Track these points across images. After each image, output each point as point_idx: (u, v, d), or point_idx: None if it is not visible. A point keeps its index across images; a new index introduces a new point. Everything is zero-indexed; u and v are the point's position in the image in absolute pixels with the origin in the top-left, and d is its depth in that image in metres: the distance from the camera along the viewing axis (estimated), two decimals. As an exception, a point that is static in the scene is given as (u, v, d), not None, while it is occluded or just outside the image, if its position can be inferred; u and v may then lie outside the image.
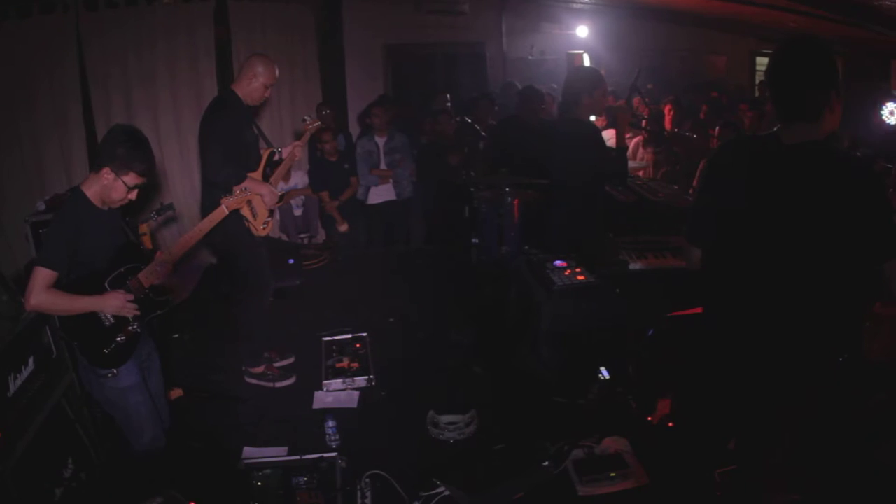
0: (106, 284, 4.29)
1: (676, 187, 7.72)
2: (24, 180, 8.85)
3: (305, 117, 6.66)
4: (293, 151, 6.36)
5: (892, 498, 4.41)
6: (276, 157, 6.39)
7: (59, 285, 4.11)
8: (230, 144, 5.82)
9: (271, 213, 6.30)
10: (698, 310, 4.02)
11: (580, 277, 5.67)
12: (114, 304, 4.26)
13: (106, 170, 4.19)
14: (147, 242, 5.79)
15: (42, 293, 4.04)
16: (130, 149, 4.21)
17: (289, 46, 11.06)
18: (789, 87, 3.38)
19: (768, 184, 3.37)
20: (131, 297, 4.33)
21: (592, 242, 6.06)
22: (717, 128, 9.78)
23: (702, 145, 9.92)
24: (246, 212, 6.02)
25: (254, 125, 6.27)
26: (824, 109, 3.31)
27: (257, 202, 6.10)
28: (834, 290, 3.34)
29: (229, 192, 5.28)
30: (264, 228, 6.23)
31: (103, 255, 4.33)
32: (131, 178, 4.23)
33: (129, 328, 4.41)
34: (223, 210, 4.89)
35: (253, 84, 5.94)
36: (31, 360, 4.53)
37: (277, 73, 6.10)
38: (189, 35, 9.82)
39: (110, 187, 4.23)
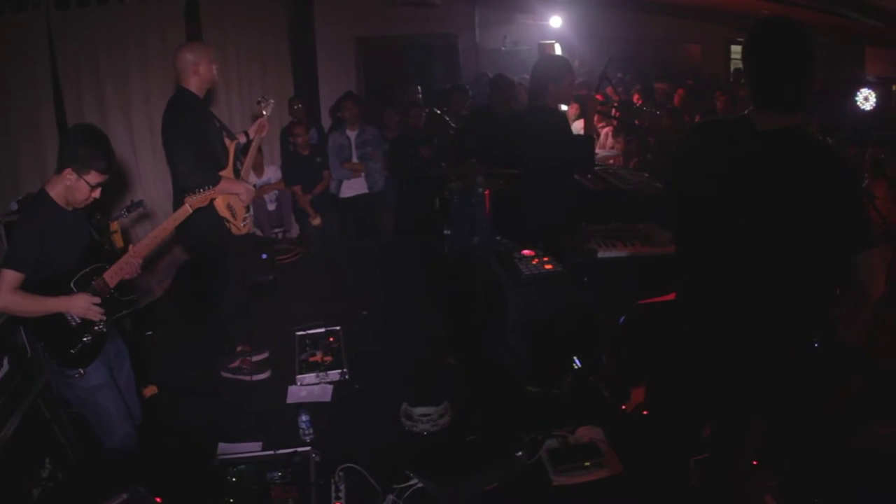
0: (72, 285, 4.29)
1: (647, 175, 7.72)
2: (-3, 180, 8.82)
3: (259, 99, 6.63)
4: (259, 128, 6.36)
5: (870, 482, 4.45)
6: (244, 140, 6.39)
7: (25, 286, 4.11)
8: (198, 145, 5.78)
9: (248, 209, 6.30)
10: (669, 296, 4.02)
11: (548, 266, 5.64)
12: (80, 305, 4.27)
13: (68, 170, 4.17)
14: (118, 240, 5.79)
15: (8, 295, 4.04)
16: (90, 147, 4.20)
17: (260, 41, 11.07)
18: (772, 78, 3.26)
19: (741, 170, 3.31)
20: (97, 300, 4.33)
21: (560, 231, 6.06)
22: (697, 117, 9.82)
23: (667, 124, 9.97)
24: (225, 212, 6.02)
25: (214, 119, 6.21)
26: (805, 101, 3.25)
27: (234, 201, 6.10)
28: (805, 274, 3.31)
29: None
30: (244, 226, 6.26)
31: (69, 255, 4.32)
32: (93, 177, 4.22)
33: (96, 328, 4.41)
34: (187, 209, 4.86)
35: (200, 71, 5.86)
36: (5, 361, 4.55)
37: (209, 48, 6.04)
38: (160, 32, 9.75)
39: (73, 188, 4.21)
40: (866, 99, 8.34)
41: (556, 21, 14.07)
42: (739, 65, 14.88)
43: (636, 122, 10.82)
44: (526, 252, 5.88)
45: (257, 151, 6.57)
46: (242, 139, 6.37)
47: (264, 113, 6.43)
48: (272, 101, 6.56)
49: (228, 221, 6.08)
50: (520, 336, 5.80)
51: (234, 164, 6.19)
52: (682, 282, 3.84)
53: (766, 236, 3.27)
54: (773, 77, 3.26)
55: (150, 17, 9.70)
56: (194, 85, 5.88)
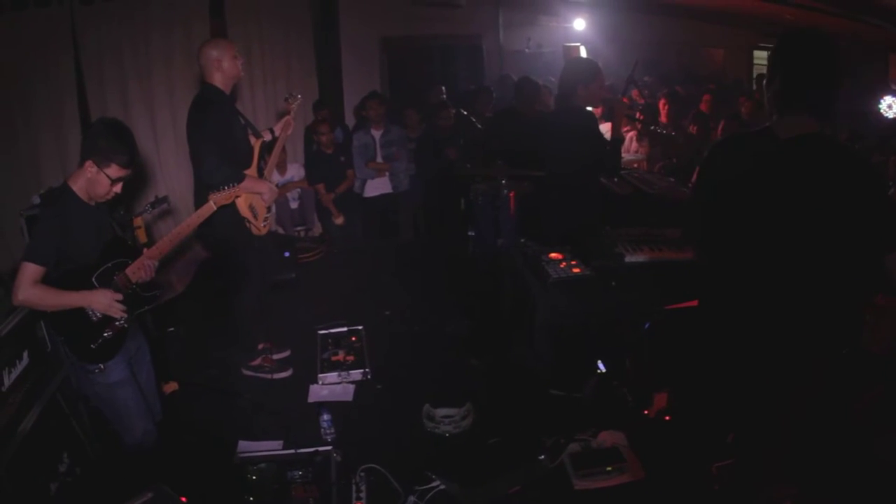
0: (93, 280, 4.27)
1: (672, 180, 7.69)
2: (19, 174, 8.76)
3: (286, 96, 6.58)
4: (285, 125, 6.31)
5: (890, 491, 4.40)
6: (269, 138, 6.34)
7: (46, 280, 4.10)
8: (223, 143, 5.73)
9: (269, 209, 6.27)
10: (695, 302, 4.00)
11: (575, 270, 5.61)
12: (101, 301, 4.25)
13: (89, 163, 4.16)
14: (142, 236, 5.76)
15: (29, 288, 4.02)
16: (111, 141, 4.18)
17: (285, 39, 11.05)
18: (799, 79, 3.32)
19: (768, 179, 3.33)
20: (119, 296, 4.32)
21: (588, 234, 6.03)
22: (722, 122, 9.76)
23: (687, 139, 9.93)
24: (246, 213, 5.98)
25: (240, 116, 6.18)
26: (830, 108, 3.29)
27: (256, 201, 6.07)
28: (835, 282, 3.32)
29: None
30: (265, 226, 6.22)
31: (91, 249, 4.30)
32: (114, 171, 4.19)
33: (117, 323, 4.39)
34: (211, 206, 4.81)
35: (224, 67, 5.80)
36: (25, 355, 4.54)
37: (233, 44, 5.96)
38: (185, 28, 9.72)
39: (94, 181, 4.19)
40: (890, 107, 8.25)
41: (579, 24, 14.01)
42: (762, 70, 14.75)
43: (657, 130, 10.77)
44: (553, 255, 5.85)
45: (281, 150, 6.53)
46: (268, 137, 6.32)
47: (291, 110, 6.39)
48: (300, 96, 6.52)
49: (249, 222, 6.04)
50: (545, 339, 5.76)
51: (259, 163, 6.15)
52: (712, 290, 3.82)
53: (797, 243, 3.29)
54: (801, 78, 3.32)
55: (174, 13, 9.67)
56: (219, 81, 5.83)
